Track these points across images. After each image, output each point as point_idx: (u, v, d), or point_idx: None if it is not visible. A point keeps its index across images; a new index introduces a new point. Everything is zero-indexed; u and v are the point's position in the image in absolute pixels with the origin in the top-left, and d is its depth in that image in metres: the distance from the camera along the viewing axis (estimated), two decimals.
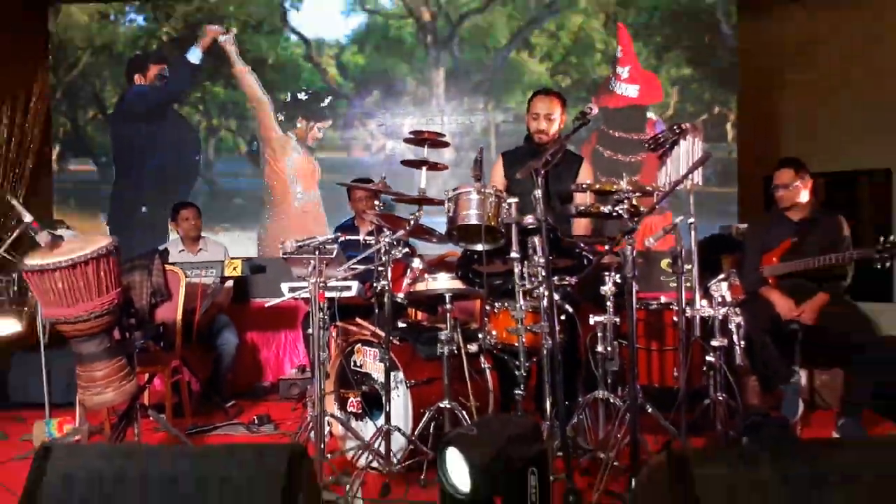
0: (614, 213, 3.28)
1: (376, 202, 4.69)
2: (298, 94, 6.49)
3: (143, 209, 6.50)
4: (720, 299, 3.50)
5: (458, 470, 2.30)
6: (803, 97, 7.06)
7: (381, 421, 3.57)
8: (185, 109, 6.58)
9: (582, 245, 3.75)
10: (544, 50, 6.34)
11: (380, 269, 3.60)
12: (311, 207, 6.43)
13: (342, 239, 3.83)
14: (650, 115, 6.24)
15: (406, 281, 3.85)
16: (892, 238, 3.92)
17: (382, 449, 3.50)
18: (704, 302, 3.54)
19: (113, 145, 6.61)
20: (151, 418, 3.94)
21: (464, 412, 3.51)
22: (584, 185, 3.59)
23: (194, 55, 6.51)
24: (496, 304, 3.78)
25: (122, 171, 6.60)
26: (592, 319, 3.65)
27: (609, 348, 3.61)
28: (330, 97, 6.48)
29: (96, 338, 3.32)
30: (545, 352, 3.19)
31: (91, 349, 3.32)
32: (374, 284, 3.73)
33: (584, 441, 3.64)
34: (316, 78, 6.47)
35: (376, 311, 3.88)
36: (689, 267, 3.45)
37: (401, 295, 3.82)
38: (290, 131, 6.48)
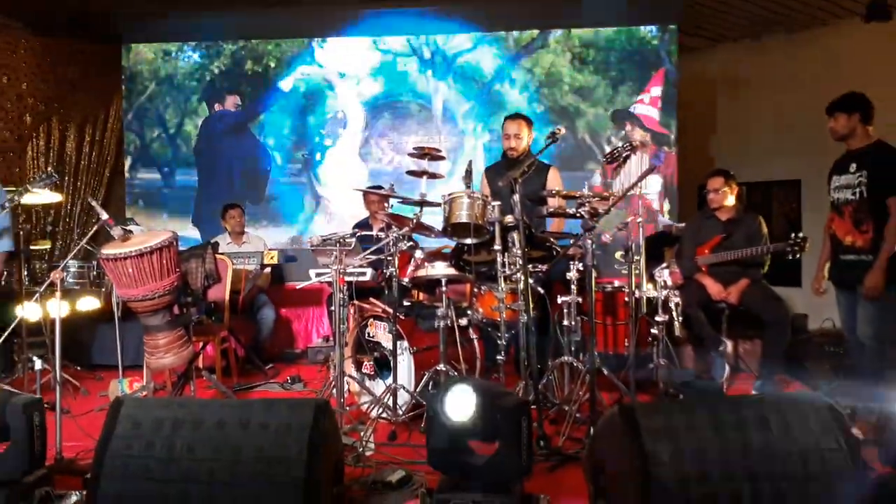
0: (578, 215, 3.28)
1: (386, 204, 4.69)
2: (349, 113, 6.45)
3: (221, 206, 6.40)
4: (663, 283, 3.52)
5: (462, 403, 2.27)
6: (730, 121, 7.07)
7: (389, 380, 3.58)
8: None
9: (551, 239, 3.75)
10: (522, 83, 6.32)
11: (389, 258, 3.61)
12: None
13: (359, 234, 3.84)
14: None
15: (410, 268, 3.85)
16: (800, 235, 3.93)
17: (391, 403, 3.51)
18: (650, 285, 3.55)
19: (198, 158, 6.56)
20: (204, 378, 3.96)
21: (456, 373, 3.52)
22: (553, 191, 3.60)
23: (287, 85, 6.47)
24: (482, 286, 3.78)
25: (207, 178, 6.56)
26: (560, 299, 3.66)
27: (573, 322, 3.63)
28: (374, 113, 6.44)
29: (160, 313, 3.31)
30: (521, 325, 3.19)
31: (155, 322, 3.32)
32: (384, 271, 3.73)
33: (553, 396, 3.66)
34: (338, 104, 6.45)
35: (386, 292, 3.89)
36: (638, 257, 3.46)
37: (406, 279, 3.82)
38: (345, 143, 6.45)
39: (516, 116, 4.25)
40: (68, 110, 6.43)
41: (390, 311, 3.56)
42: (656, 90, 6.17)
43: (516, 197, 3.15)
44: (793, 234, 3.94)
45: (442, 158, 3.76)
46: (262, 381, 4.73)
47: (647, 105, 6.19)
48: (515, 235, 3.27)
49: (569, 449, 3.02)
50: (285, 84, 6.48)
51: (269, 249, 5.33)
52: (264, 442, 2.09)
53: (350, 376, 3.82)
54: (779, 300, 4.13)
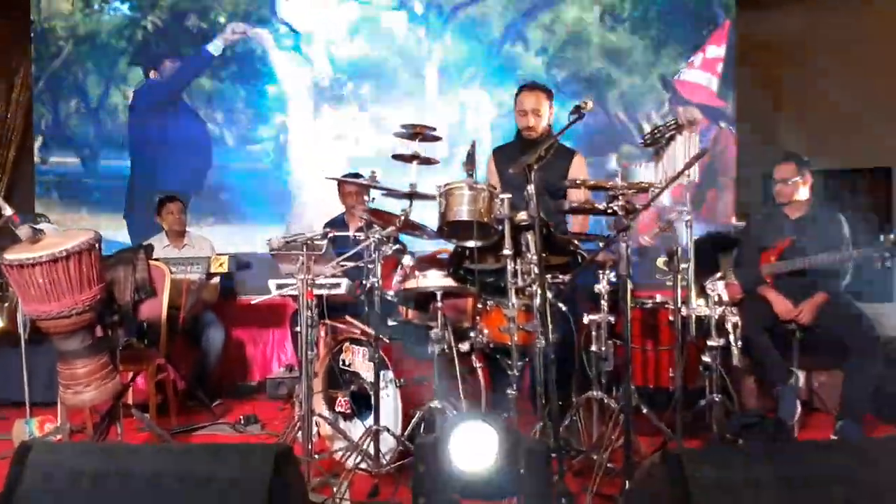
0: (609, 210, 3.28)
1: (366, 197, 4.68)
2: (320, 82, 6.45)
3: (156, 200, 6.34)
4: (717, 298, 3.51)
5: (476, 447, 2.25)
6: (803, 93, 7.08)
7: (370, 421, 3.56)
8: None
9: (576, 241, 3.75)
10: (539, 44, 6.34)
11: (369, 265, 3.60)
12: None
13: (331, 235, 3.83)
14: None
15: (396, 278, 3.85)
16: (892, 237, 3.93)
17: (371, 450, 3.50)
18: (701, 301, 3.55)
19: (131, 138, 6.57)
20: (135, 418, 3.94)
21: (455, 412, 3.51)
22: (577, 181, 3.59)
23: (215, 48, 6.47)
24: (488, 301, 3.78)
25: (139, 164, 6.57)
26: (586, 318, 3.65)
27: (603, 348, 3.62)
28: (352, 81, 6.44)
29: (78, 335, 3.30)
30: (538, 351, 3.18)
31: (73, 346, 3.30)
32: (364, 282, 3.72)
33: (577, 442, 3.65)
34: (306, 70, 6.45)
35: (366, 308, 3.88)
36: (686, 265, 3.45)
37: (391, 292, 3.82)
38: (317, 118, 6.45)
39: (534, 87, 4.29)
40: None
41: (371, 332, 3.55)
42: (714, 50, 6.17)
43: (532, 188, 3.14)
44: (882, 236, 3.94)
45: (437, 139, 3.76)
46: (209, 422, 4.73)
47: (698, 69, 6.20)
48: (530, 237, 3.26)
49: None
50: (238, 45, 6.47)
51: (218, 254, 5.32)
52: (211, 499, 2.07)
53: (320, 416, 3.81)
54: (865, 320, 4.13)
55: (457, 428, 2.27)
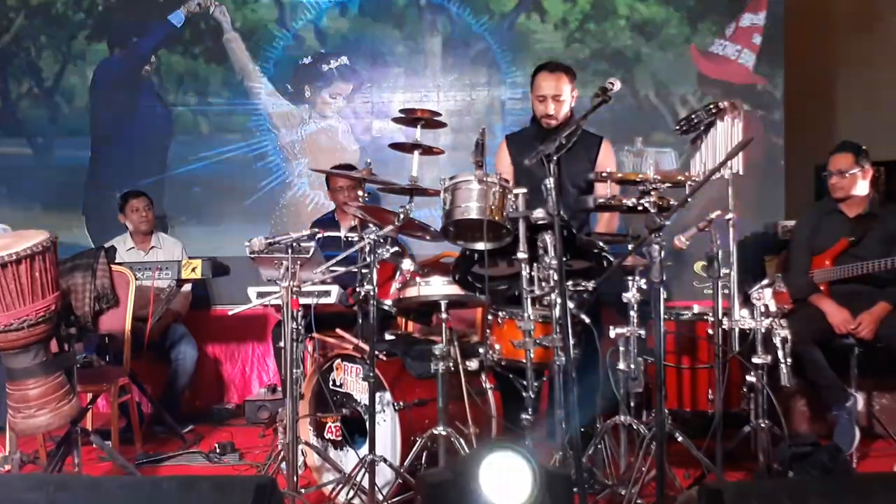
0: (639, 208, 3.27)
1: (360, 192, 4.69)
2: (304, 60, 6.44)
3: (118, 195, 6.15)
4: (763, 309, 3.50)
5: (506, 479, 2.23)
6: (862, 71, 7.05)
7: (364, 450, 3.57)
8: None
9: (601, 244, 3.74)
10: (558, 14, 6.32)
11: (364, 271, 3.60)
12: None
13: (320, 235, 3.83)
14: None
15: (395, 285, 3.85)
16: None
17: (366, 483, 3.49)
18: (745, 312, 3.54)
19: (91, 125, 6.56)
20: (95, 445, 3.93)
21: (462, 440, 3.51)
22: (604, 174, 3.59)
23: (177, 18, 6.46)
24: (500, 313, 3.77)
25: (101, 154, 6.54)
26: (613, 331, 3.65)
27: (632, 365, 3.61)
28: (344, 57, 6.43)
29: (30, 350, 3.29)
30: (557, 369, 3.18)
31: (24, 363, 3.30)
32: (358, 289, 3.72)
33: (603, 474, 3.65)
34: (290, 46, 6.45)
35: (359, 320, 3.88)
36: (727, 271, 3.45)
37: (388, 302, 3.81)
38: (301, 103, 6.44)
39: (555, 68, 4.28)
40: None
41: (365, 347, 3.55)
42: (750, 18, 6.14)
43: (550, 181, 3.14)
44: None
45: (441, 125, 3.77)
46: (179, 451, 4.73)
47: (728, 41, 6.17)
48: (549, 238, 3.26)
49: None
50: (210, 17, 6.46)
51: (190, 258, 5.33)
52: None
53: (307, 444, 3.81)
54: None
55: (480, 462, 2.25)
